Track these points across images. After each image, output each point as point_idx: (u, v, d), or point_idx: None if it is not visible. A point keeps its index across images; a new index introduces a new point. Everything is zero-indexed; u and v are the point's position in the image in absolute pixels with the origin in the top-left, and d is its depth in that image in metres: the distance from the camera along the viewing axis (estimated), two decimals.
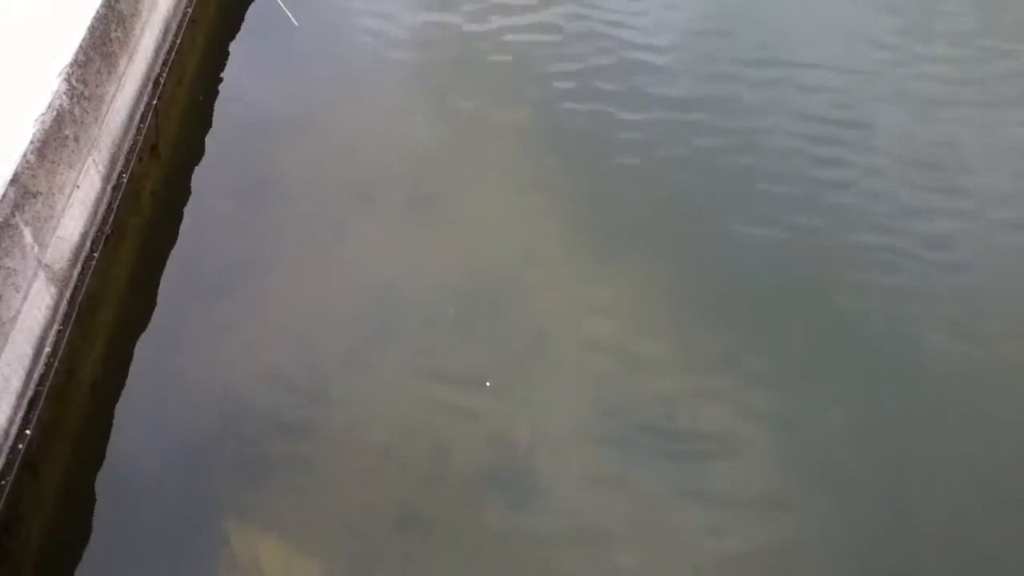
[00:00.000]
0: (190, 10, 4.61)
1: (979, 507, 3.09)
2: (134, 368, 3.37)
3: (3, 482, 2.95)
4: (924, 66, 4.61)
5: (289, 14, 4.56)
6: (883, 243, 3.81)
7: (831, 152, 4.20)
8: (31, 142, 3.09)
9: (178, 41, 4.50)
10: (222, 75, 4.55)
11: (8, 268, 2.94)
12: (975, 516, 3.07)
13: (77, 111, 3.41)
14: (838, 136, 4.27)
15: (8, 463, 2.99)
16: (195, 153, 4.16)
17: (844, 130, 4.30)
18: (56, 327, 3.31)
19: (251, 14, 4.85)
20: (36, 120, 3.15)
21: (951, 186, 4.05)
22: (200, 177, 4.06)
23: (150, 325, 3.51)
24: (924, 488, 3.13)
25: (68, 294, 3.41)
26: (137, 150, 4.00)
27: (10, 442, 3.01)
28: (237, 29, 4.77)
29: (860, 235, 3.85)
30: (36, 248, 3.13)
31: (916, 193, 4.02)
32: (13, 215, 2.97)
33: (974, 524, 3.05)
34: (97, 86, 3.59)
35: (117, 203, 3.79)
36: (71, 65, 3.37)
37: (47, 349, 3.24)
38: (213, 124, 4.30)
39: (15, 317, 3.01)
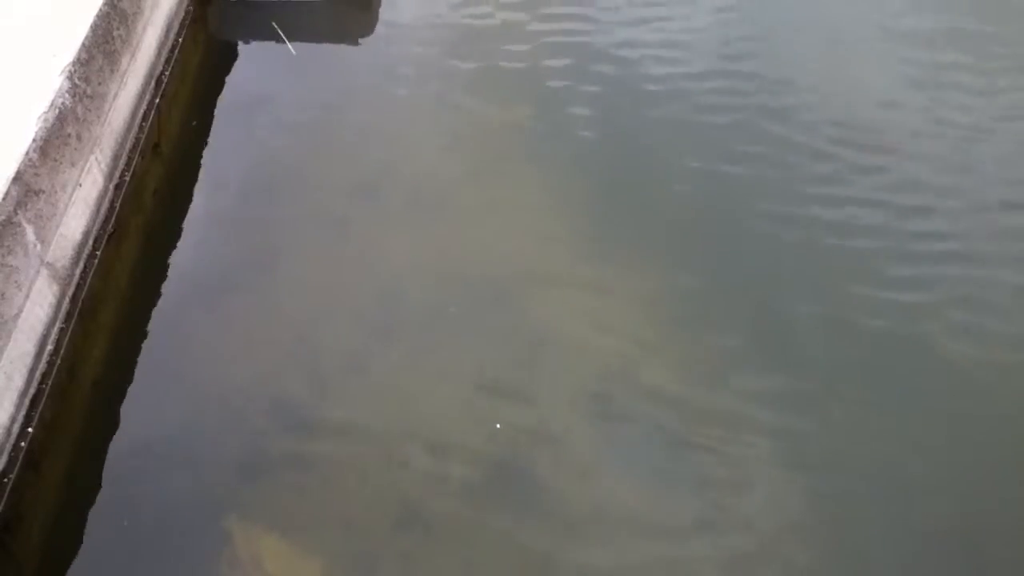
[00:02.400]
0: (192, 8, 4.61)
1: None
2: (136, 366, 3.38)
3: (5, 480, 2.96)
4: None
5: (289, 45, 4.44)
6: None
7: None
8: (34, 140, 3.10)
9: (180, 39, 4.50)
10: (224, 73, 4.54)
11: (11, 266, 2.95)
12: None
13: (79, 109, 3.41)
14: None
15: (10, 461, 3.00)
16: (197, 151, 4.15)
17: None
18: (58, 325, 3.31)
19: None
20: (39, 118, 3.15)
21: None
22: (202, 175, 4.06)
23: (152, 324, 3.51)
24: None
25: (70, 292, 3.41)
26: (139, 148, 4.00)
27: (12, 440, 3.02)
28: (240, 28, 4.76)
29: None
30: (39, 246, 3.14)
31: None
32: (16, 213, 2.97)
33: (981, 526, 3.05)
34: (99, 84, 3.59)
35: (119, 201, 3.79)
36: (73, 63, 3.37)
37: (49, 347, 3.25)
38: (215, 123, 4.30)
39: (17, 315, 3.01)
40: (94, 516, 3.01)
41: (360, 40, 4.62)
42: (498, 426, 3.15)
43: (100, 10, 3.57)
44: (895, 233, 3.86)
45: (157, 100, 4.21)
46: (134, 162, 3.94)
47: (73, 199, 3.40)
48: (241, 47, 4.66)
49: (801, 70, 4.60)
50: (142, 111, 4.09)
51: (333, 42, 4.62)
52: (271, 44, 4.60)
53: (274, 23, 4.54)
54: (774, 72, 4.60)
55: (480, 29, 4.76)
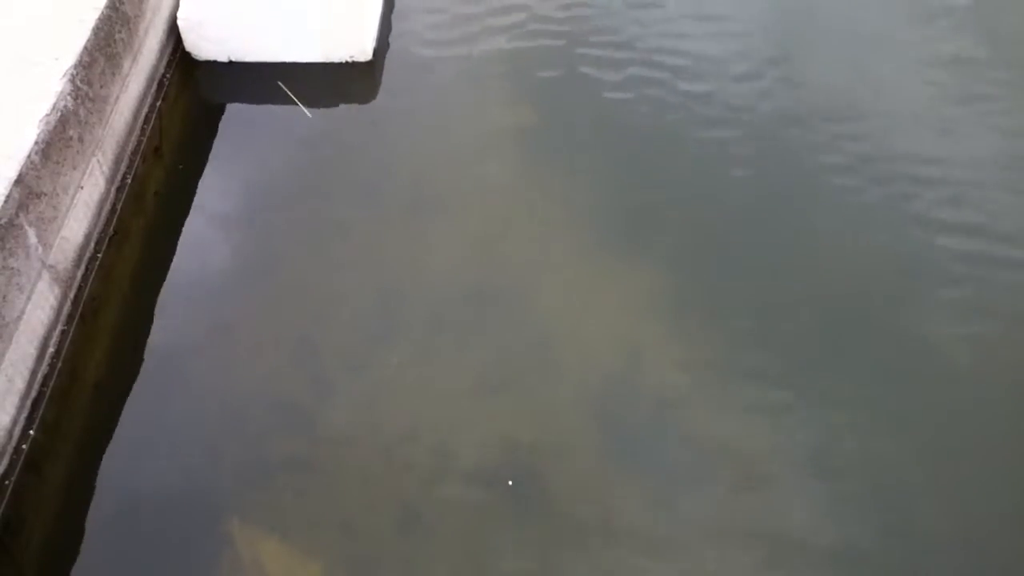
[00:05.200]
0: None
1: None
2: (137, 369, 3.37)
3: (6, 482, 2.96)
4: None
5: (303, 107, 4.24)
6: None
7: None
8: (35, 143, 3.10)
9: (183, 43, 4.50)
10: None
11: (12, 268, 2.95)
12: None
13: (81, 112, 3.42)
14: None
15: (11, 463, 3.00)
16: (198, 154, 4.16)
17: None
18: (60, 328, 3.32)
19: None
20: (40, 121, 3.16)
21: None
22: (203, 178, 4.06)
23: (153, 326, 3.51)
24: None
25: (72, 295, 3.42)
26: (141, 151, 4.01)
27: (13, 443, 3.02)
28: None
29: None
30: (40, 249, 3.14)
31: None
32: (17, 215, 2.98)
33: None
34: (101, 87, 3.60)
35: (121, 204, 3.80)
36: (75, 66, 3.38)
37: (51, 350, 3.25)
38: (216, 126, 4.30)
39: (19, 318, 3.02)
40: (95, 519, 3.01)
41: (360, 103, 4.43)
42: (510, 483, 3.11)
43: (102, 13, 3.58)
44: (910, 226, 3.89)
45: (158, 103, 4.22)
46: (135, 165, 3.95)
47: (75, 202, 3.41)
48: (233, 109, 4.47)
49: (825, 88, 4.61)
50: (143, 114, 4.10)
51: (331, 105, 4.37)
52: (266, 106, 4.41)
53: (280, 83, 4.34)
54: (797, 75, 4.60)
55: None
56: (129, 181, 3.88)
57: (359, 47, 4.41)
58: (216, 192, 4.01)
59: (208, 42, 4.38)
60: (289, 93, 4.26)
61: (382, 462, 3.14)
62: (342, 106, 4.36)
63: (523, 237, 3.83)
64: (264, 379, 3.35)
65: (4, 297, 2.91)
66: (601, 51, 4.62)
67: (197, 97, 4.46)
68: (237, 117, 4.39)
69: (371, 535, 2.99)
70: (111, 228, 3.71)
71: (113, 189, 3.77)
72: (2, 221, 2.89)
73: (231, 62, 4.46)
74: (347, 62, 4.44)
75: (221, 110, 4.39)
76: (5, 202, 2.91)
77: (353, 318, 3.54)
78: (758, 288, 3.67)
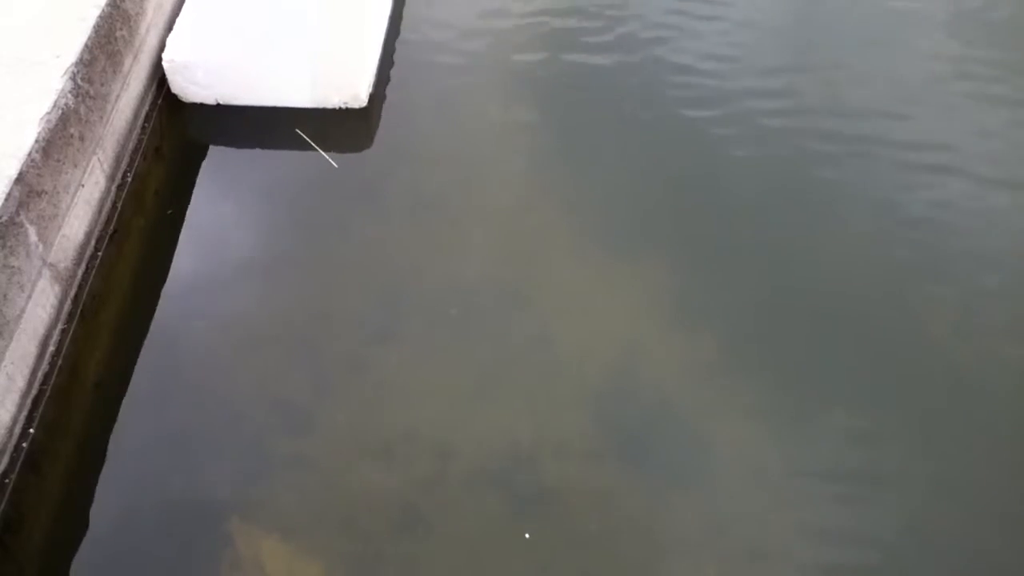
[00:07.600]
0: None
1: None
2: (137, 367, 3.37)
3: (6, 481, 2.96)
4: None
5: (327, 157, 4.06)
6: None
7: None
8: (36, 141, 3.10)
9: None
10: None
11: (13, 267, 2.95)
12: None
13: (82, 110, 3.42)
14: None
15: (11, 462, 3.00)
16: (198, 154, 4.15)
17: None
18: (60, 326, 3.32)
19: None
20: (41, 119, 3.16)
21: None
22: (203, 178, 4.06)
23: (154, 324, 3.51)
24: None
25: (72, 293, 3.42)
26: (141, 150, 4.01)
27: (14, 441, 3.02)
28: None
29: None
30: (41, 247, 3.14)
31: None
32: (18, 214, 2.98)
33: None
34: (102, 85, 3.60)
35: (121, 202, 3.80)
36: (76, 64, 3.38)
37: (51, 348, 3.25)
38: (216, 125, 4.30)
39: (19, 316, 3.02)
40: (95, 517, 3.01)
41: (353, 151, 4.23)
42: (527, 535, 3.04)
43: (103, 11, 3.58)
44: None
45: (159, 102, 4.21)
46: (136, 163, 3.95)
47: (75, 200, 3.41)
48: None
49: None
50: (144, 112, 4.09)
51: (325, 150, 4.13)
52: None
53: (299, 130, 4.16)
54: (805, 73, 4.60)
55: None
56: (130, 179, 3.88)
57: (353, 93, 4.23)
58: (213, 196, 4.02)
59: (195, 85, 4.20)
60: (309, 140, 4.14)
61: (382, 461, 3.14)
62: (334, 153, 4.16)
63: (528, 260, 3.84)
64: (264, 377, 3.36)
65: (4, 295, 2.91)
66: (605, 89, 4.54)
67: (185, 137, 4.30)
68: (226, 156, 4.25)
69: (371, 534, 2.99)
70: (112, 226, 3.70)
71: (114, 187, 3.77)
72: (3, 219, 2.88)
73: (219, 105, 4.28)
74: (341, 108, 4.27)
75: (210, 153, 4.22)
76: (6, 200, 2.91)
77: (354, 317, 3.55)
78: (761, 288, 3.67)
